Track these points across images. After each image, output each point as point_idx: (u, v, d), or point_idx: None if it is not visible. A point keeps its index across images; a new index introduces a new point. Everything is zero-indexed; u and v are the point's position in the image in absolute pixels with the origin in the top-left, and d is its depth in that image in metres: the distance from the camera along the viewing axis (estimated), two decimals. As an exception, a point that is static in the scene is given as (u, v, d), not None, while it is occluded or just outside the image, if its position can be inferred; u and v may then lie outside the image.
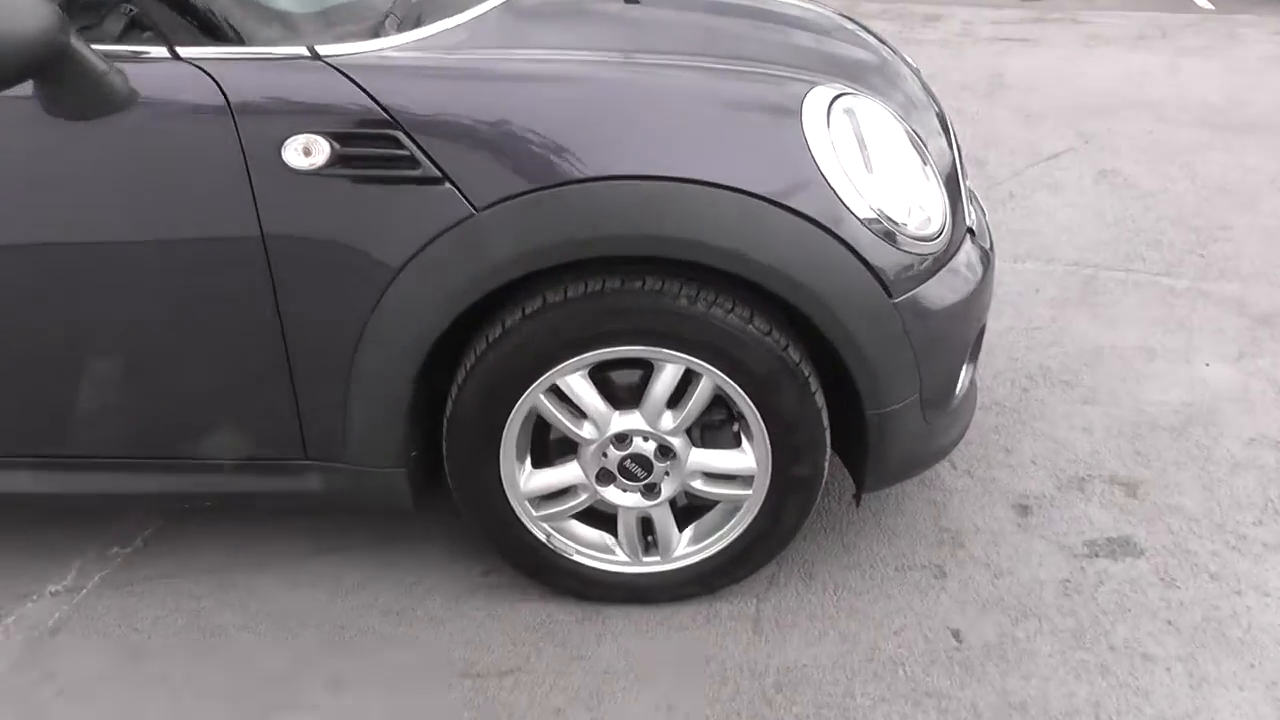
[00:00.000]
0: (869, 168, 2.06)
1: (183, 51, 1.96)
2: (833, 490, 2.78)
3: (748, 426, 2.17)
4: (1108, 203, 4.70)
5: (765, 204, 1.95)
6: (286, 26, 2.06)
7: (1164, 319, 3.63)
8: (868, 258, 2.03)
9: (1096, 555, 2.52)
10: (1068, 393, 3.21)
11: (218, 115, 1.93)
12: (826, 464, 2.22)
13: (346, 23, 2.16)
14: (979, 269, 2.29)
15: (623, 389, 2.20)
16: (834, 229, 1.99)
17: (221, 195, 1.97)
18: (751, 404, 2.11)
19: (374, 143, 1.95)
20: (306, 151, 1.94)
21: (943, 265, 2.18)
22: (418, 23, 2.24)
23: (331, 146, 1.94)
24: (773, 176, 1.98)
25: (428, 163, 1.95)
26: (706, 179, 1.95)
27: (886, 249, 2.06)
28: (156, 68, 1.96)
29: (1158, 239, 4.30)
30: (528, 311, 2.06)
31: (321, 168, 1.95)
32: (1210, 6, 8.92)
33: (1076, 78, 6.68)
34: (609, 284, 2.03)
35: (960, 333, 2.25)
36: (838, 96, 2.12)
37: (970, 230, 2.37)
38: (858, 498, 2.43)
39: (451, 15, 2.31)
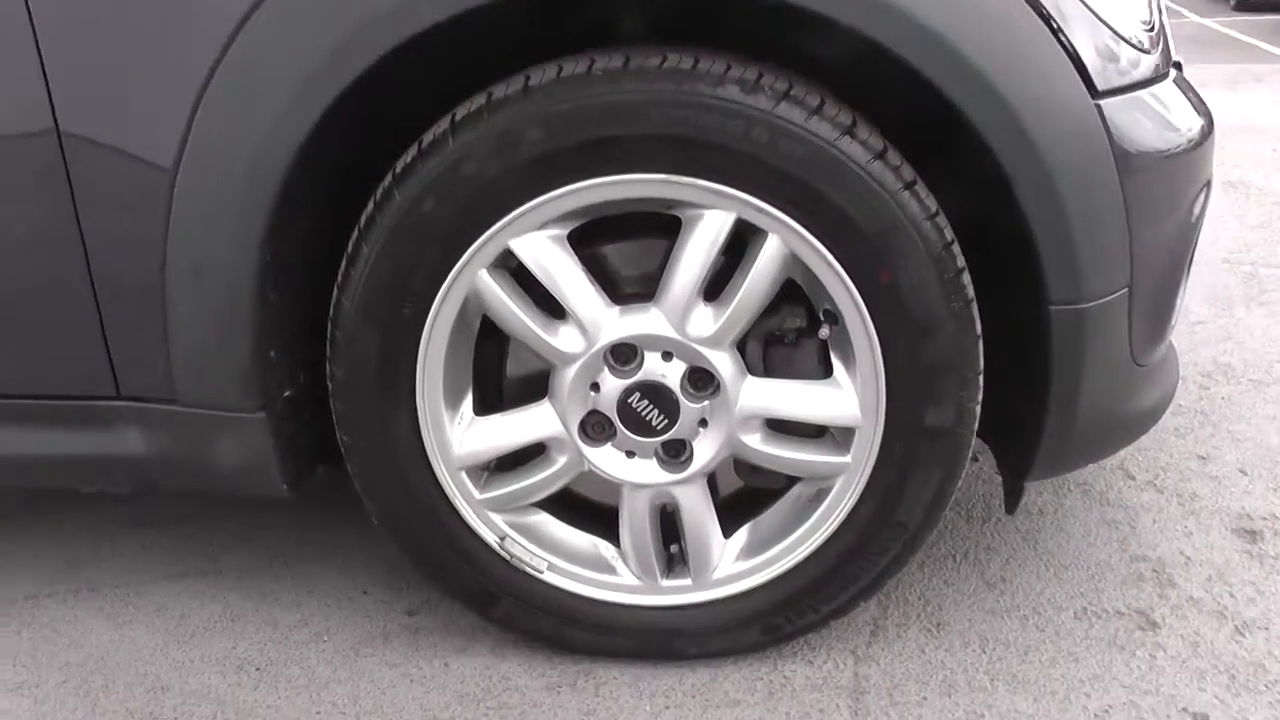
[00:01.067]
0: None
1: None
2: (962, 501, 1.83)
3: (845, 339, 1.26)
4: (1245, 208, 3.92)
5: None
6: None
7: (1368, 312, 2.72)
8: (1062, 27, 1.15)
9: (1400, 601, 1.54)
10: (1264, 392, 2.28)
11: None
12: (979, 408, 1.29)
13: None
14: (1200, 114, 1.40)
15: (627, 277, 1.30)
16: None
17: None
18: (855, 292, 1.20)
19: None
20: None
21: (1157, 82, 1.30)
22: None
23: None
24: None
25: None
26: None
27: (1087, 19, 1.18)
28: None
29: (1313, 240, 3.47)
30: (460, 116, 1.18)
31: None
32: (1297, 58, 8.25)
33: (1173, 108, 5.93)
34: (602, 63, 1.15)
35: (1184, 196, 1.34)
36: None
37: (1178, 64, 1.49)
38: (1013, 498, 1.49)
39: None
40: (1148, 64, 1.28)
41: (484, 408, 1.37)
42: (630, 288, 1.29)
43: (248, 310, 1.27)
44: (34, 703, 1.43)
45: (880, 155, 1.16)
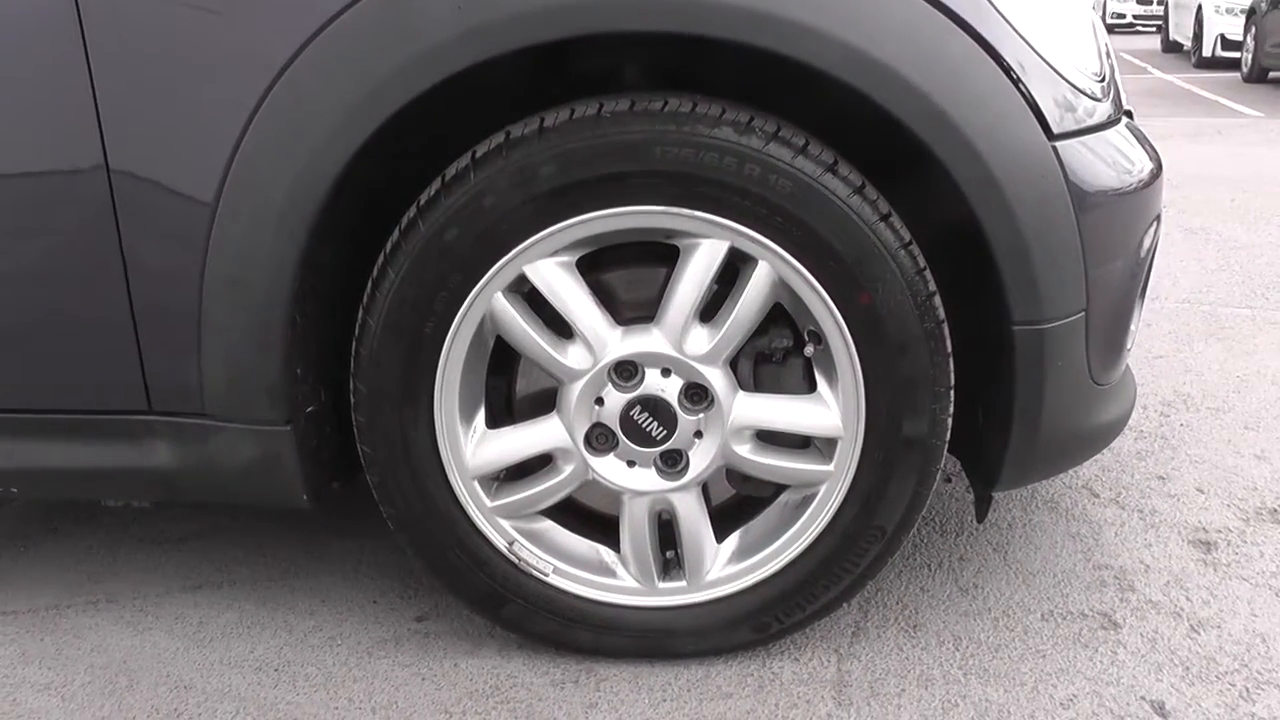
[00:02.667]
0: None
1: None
2: (936, 516, 1.95)
3: (828, 357, 1.38)
4: (1205, 252, 4.10)
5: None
6: None
7: (1318, 349, 2.87)
8: (1021, 77, 1.29)
9: (1341, 605, 1.67)
10: (1221, 418, 2.41)
11: None
12: (950, 420, 1.41)
13: None
14: (1149, 156, 1.54)
15: (629, 301, 1.43)
16: (976, 26, 1.26)
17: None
18: (837, 313, 1.33)
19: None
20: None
21: (1108, 127, 1.44)
22: None
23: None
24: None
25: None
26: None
27: (1044, 70, 1.33)
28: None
29: (1273, 283, 3.63)
30: (480, 154, 1.31)
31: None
32: (1258, 114, 8.53)
33: (1139, 157, 6.15)
34: (610, 106, 1.28)
35: (1134, 230, 1.48)
36: None
37: (1128, 113, 1.64)
38: (983, 507, 1.61)
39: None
40: (1100, 111, 1.42)
41: (495, 421, 1.48)
42: (632, 311, 1.41)
43: (279, 330, 1.37)
44: (62, 700, 1.51)
45: (859, 190, 1.29)
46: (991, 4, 1.29)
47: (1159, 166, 1.57)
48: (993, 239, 1.31)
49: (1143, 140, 1.57)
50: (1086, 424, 1.53)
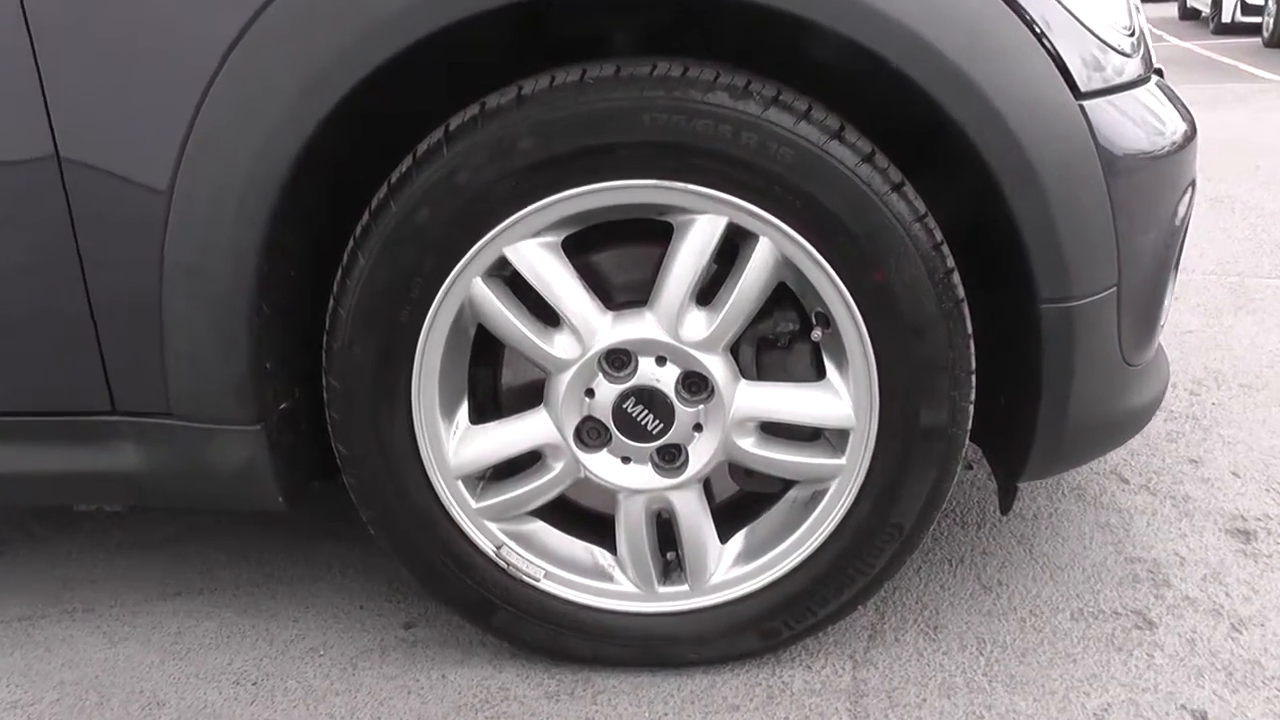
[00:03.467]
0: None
1: None
2: (957, 507, 1.84)
3: (837, 341, 1.27)
4: (1231, 222, 3.97)
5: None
6: None
7: (1355, 320, 2.74)
8: (1045, 32, 1.17)
9: (1395, 597, 1.55)
10: (1254, 396, 2.29)
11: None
12: (972, 407, 1.30)
13: None
14: (1181, 117, 1.42)
15: (620, 284, 1.32)
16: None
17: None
18: (846, 293, 1.22)
19: None
20: None
21: (1139, 85, 1.32)
22: None
23: None
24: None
25: None
26: None
27: (1070, 23, 1.21)
28: None
29: (1303, 252, 3.50)
30: (454, 126, 1.20)
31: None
32: (1276, 77, 8.35)
33: (1156, 126, 6.00)
34: (593, 71, 1.17)
35: (1169, 196, 1.36)
36: None
37: (1159, 71, 1.51)
38: (1007, 498, 1.50)
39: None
40: (1130, 68, 1.30)
41: (479, 416, 1.38)
42: (623, 295, 1.31)
43: (244, 322, 1.27)
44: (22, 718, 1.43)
45: (868, 158, 1.18)
46: None
47: (1193, 128, 1.44)
48: (1016, 209, 1.19)
49: (1175, 100, 1.45)
50: (1118, 408, 1.41)
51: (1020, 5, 1.17)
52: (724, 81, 1.16)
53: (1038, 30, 1.18)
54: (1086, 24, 1.23)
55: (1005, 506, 1.51)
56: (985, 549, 1.71)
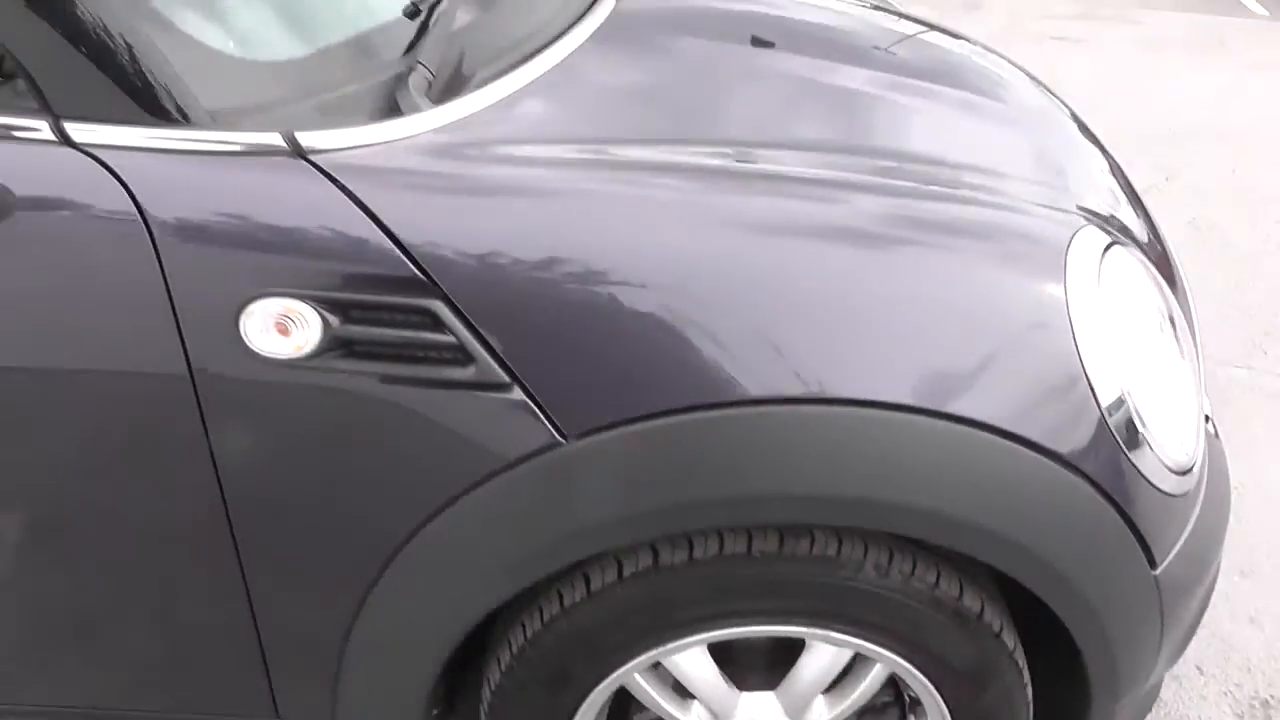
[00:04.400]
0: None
1: (74, 131, 1.21)
2: None
3: (921, 712, 1.53)
4: (1208, 265, 4.06)
5: (1026, 452, 1.27)
6: (242, 89, 1.29)
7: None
8: (1130, 510, 1.38)
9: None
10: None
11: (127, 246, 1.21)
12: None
13: (347, 80, 1.38)
14: (1222, 479, 1.65)
15: (749, 663, 1.54)
16: (1108, 486, 1.33)
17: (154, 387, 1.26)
18: (939, 700, 1.47)
19: (398, 317, 1.23)
20: (283, 328, 1.23)
21: (1197, 500, 1.53)
22: (461, 73, 1.49)
23: (325, 321, 1.22)
24: (1033, 403, 1.30)
25: (487, 356, 1.24)
26: (940, 409, 1.26)
27: (1147, 492, 1.40)
28: (29, 154, 1.22)
29: (1273, 325, 3.70)
30: (627, 573, 1.38)
31: (310, 356, 1.24)
32: (1265, 12, 8.33)
33: (1143, 93, 6.03)
34: (759, 545, 1.36)
35: (1208, 583, 1.62)
36: (1109, 246, 1.45)
37: (1206, 416, 1.71)
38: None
39: (520, 59, 1.54)
40: (1195, 478, 1.48)
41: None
42: (751, 670, 1.53)
43: (425, 694, 1.47)
44: None
45: (980, 615, 1.40)
46: (1135, 468, 1.34)
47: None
48: (1085, 653, 1.43)
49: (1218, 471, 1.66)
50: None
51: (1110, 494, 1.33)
52: (874, 559, 1.35)
53: (1122, 509, 1.35)
54: (1161, 488, 1.39)
55: None
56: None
